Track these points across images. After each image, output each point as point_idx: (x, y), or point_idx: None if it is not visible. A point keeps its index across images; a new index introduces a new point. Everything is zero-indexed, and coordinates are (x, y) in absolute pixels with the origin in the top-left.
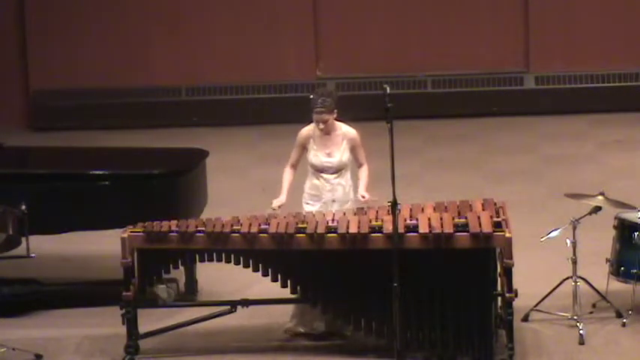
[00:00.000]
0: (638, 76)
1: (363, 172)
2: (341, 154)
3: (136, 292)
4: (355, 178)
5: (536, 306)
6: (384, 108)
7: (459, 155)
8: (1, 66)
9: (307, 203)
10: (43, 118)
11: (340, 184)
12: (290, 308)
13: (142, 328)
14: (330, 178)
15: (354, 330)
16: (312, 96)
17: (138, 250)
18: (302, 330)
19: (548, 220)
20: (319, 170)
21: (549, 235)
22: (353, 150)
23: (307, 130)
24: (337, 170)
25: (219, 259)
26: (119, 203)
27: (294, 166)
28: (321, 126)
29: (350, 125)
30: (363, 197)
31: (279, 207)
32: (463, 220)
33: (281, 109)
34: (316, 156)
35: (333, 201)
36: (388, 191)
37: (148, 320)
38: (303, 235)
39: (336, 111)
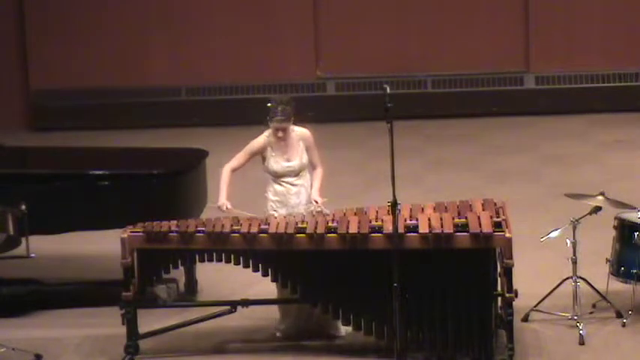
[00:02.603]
0: (638, 76)
1: (317, 175)
2: (300, 157)
3: (135, 292)
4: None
5: (536, 306)
6: (384, 108)
7: (459, 155)
8: (1, 66)
9: (274, 210)
10: (43, 118)
11: (303, 186)
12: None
13: (142, 328)
14: (292, 182)
15: (354, 330)
16: (269, 104)
17: (138, 250)
18: (292, 330)
19: (548, 220)
20: (281, 176)
21: (549, 235)
22: (307, 150)
23: (263, 138)
24: (298, 173)
25: (219, 259)
26: (119, 203)
27: (235, 169)
28: (280, 134)
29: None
30: (316, 202)
31: (221, 207)
32: (463, 220)
33: None
34: (277, 162)
35: (299, 203)
36: (388, 191)
37: (148, 320)
38: (303, 235)
39: (292, 117)
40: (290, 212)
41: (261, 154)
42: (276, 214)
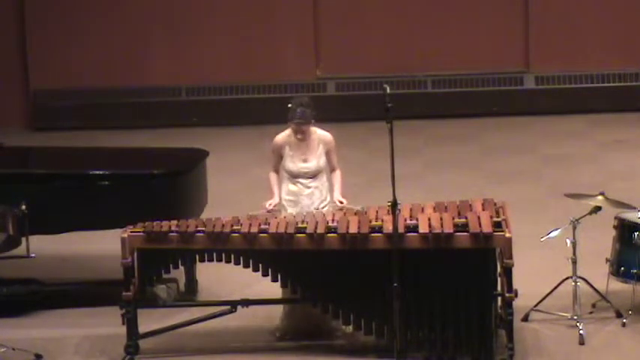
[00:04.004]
0: (638, 76)
1: (337, 177)
2: (317, 159)
3: (136, 292)
4: (329, 183)
5: (536, 306)
6: (384, 108)
7: (459, 155)
8: (1, 66)
9: (285, 210)
10: (43, 118)
11: (317, 188)
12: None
13: (142, 328)
14: (307, 183)
15: (354, 330)
16: (290, 105)
17: (138, 250)
18: (291, 331)
19: (548, 220)
20: (295, 176)
21: (549, 235)
22: (327, 154)
23: (282, 136)
24: (314, 175)
25: (219, 259)
26: (119, 203)
27: (276, 171)
28: (300, 136)
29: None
30: (341, 202)
31: (274, 206)
32: (463, 220)
33: (281, 109)
34: (293, 162)
35: (311, 204)
36: (388, 191)
37: (148, 320)
38: (303, 235)
39: (313, 120)
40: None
41: (280, 153)
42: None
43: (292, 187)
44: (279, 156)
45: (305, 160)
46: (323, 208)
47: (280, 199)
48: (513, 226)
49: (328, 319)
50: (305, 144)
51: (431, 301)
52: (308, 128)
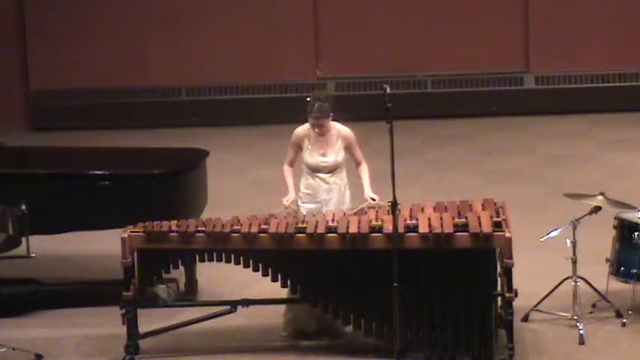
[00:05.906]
0: (638, 76)
1: (364, 171)
2: (336, 154)
3: (136, 292)
4: (353, 178)
5: (536, 306)
6: (384, 108)
7: (459, 155)
8: (1, 66)
9: (303, 202)
10: (43, 118)
11: (336, 184)
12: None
13: (142, 328)
14: (325, 178)
15: (354, 330)
16: (309, 99)
17: (138, 250)
18: (294, 331)
19: (548, 220)
20: (314, 170)
21: (549, 235)
22: (348, 149)
23: (302, 129)
24: (332, 169)
25: (219, 259)
26: (119, 203)
27: (291, 164)
28: (317, 130)
29: (346, 125)
30: (373, 200)
31: (291, 203)
32: (463, 220)
33: (281, 109)
34: (311, 156)
35: (329, 200)
36: (388, 191)
37: (148, 320)
38: (303, 235)
39: (332, 114)
40: (318, 208)
41: (299, 145)
42: (303, 208)
43: (310, 181)
44: (297, 148)
45: (323, 155)
46: (344, 206)
47: (296, 194)
48: (513, 226)
49: (329, 320)
50: (323, 139)
51: (431, 301)
52: (326, 122)
